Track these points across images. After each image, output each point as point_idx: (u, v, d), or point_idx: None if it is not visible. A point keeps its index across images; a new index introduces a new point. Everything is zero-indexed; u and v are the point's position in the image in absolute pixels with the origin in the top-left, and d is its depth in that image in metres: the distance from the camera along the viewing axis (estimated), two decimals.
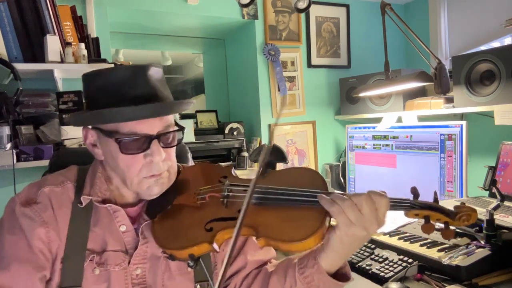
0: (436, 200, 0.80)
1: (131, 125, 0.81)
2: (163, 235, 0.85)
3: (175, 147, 0.91)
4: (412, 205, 0.79)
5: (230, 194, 0.88)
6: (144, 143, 0.83)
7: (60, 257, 0.85)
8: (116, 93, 0.82)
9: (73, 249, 0.85)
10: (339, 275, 0.85)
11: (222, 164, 1.03)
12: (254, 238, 0.81)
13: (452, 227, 0.78)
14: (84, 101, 0.91)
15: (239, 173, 2.46)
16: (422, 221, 0.79)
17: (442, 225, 0.79)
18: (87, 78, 0.87)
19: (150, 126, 0.83)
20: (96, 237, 0.88)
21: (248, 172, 2.33)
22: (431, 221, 0.78)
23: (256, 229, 0.80)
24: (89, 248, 0.86)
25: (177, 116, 2.34)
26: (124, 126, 0.81)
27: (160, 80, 0.87)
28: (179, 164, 1.03)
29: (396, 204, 0.79)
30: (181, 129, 0.91)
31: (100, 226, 0.88)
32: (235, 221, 0.80)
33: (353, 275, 1.36)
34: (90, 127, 0.88)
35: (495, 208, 1.28)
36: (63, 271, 0.84)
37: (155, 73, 0.86)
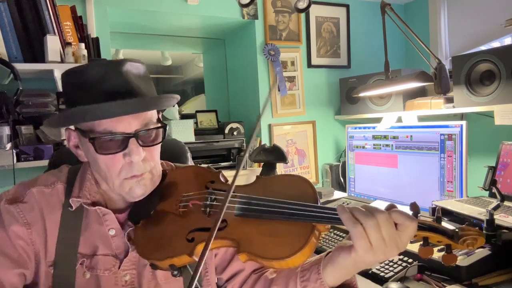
0: (439, 218, 0.70)
1: (105, 123, 0.76)
2: (143, 243, 0.81)
3: (158, 146, 0.85)
4: None
5: (214, 203, 0.83)
6: (121, 142, 0.78)
7: (47, 261, 0.83)
8: (88, 90, 0.77)
9: (64, 253, 0.83)
10: (343, 286, 0.79)
11: (222, 164, 0.99)
12: (235, 250, 0.75)
13: (454, 251, 0.69)
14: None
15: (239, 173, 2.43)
16: (421, 243, 0.69)
17: (442, 247, 0.70)
18: (65, 75, 0.82)
19: (126, 124, 0.78)
20: (87, 240, 0.85)
21: (248, 172, 2.33)
22: (430, 243, 0.69)
23: (237, 243, 0.75)
24: (80, 251, 0.84)
25: (176, 116, 2.35)
26: (98, 125, 0.77)
27: (139, 75, 0.81)
28: (170, 163, 1.00)
29: None
30: (163, 126, 0.84)
31: (91, 229, 0.85)
32: (218, 232, 0.75)
33: None
34: (72, 128, 0.84)
35: (495, 208, 1.28)
36: (55, 275, 0.82)
37: (132, 68, 0.80)
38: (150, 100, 0.81)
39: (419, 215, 0.70)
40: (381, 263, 1.37)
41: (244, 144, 2.44)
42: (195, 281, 0.57)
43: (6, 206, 0.83)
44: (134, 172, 0.80)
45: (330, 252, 0.79)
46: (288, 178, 0.86)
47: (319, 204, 0.76)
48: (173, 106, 0.88)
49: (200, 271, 0.58)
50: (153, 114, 0.84)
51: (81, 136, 0.81)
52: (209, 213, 0.82)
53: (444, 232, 0.68)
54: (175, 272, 0.78)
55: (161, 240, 0.82)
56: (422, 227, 0.69)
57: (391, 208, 0.71)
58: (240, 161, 0.73)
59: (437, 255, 1.28)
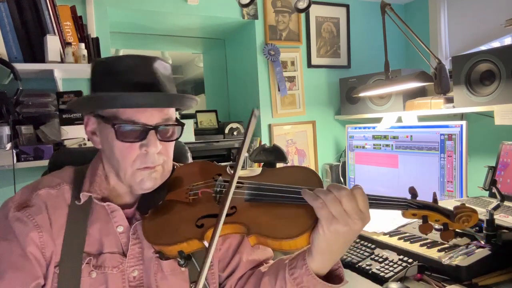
0: (435, 200, 0.79)
1: (130, 112, 0.80)
2: (152, 230, 0.83)
3: (173, 143, 0.89)
4: (409, 204, 0.77)
5: (223, 190, 0.86)
6: (141, 132, 0.81)
7: (54, 261, 0.83)
8: (118, 79, 0.81)
9: (69, 253, 0.83)
10: (332, 277, 0.83)
11: (222, 164, 1.01)
12: (245, 235, 0.78)
13: (451, 229, 0.76)
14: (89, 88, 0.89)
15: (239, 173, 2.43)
16: (420, 221, 0.77)
17: (441, 226, 0.77)
18: (95, 64, 0.86)
19: (149, 116, 0.81)
20: (93, 239, 0.85)
21: (248, 172, 2.33)
22: (429, 221, 0.76)
23: (247, 226, 0.78)
24: (86, 251, 0.84)
25: (177, 116, 2.34)
26: (123, 113, 0.80)
27: (165, 75, 0.86)
28: (174, 162, 1.01)
29: (393, 203, 0.77)
30: (181, 124, 0.88)
31: (97, 227, 0.86)
32: (227, 217, 0.78)
33: (353, 275, 1.37)
34: (92, 114, 0.86)
35: (495, 208, 1.28)
36: (60, 275, 0.82)
37: (161, 67, 0.85)
38: (176, 97, 0.86)
39: (417, 198, 0.79)
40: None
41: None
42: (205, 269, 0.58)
43: (15, 214, 0.83)
44: (148, 163, 0.83)
45: None
46: (293, 168, 0.92)
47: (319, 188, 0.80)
48: (192, 107, 0.92)
49: (206, 262, 0.60)
50: (173, 112, 0.88)
51: (101, 122, 0.84)
52: (219, 200, 0.85)
53: (440, 211, 0.76)
54: (182, 261, 0.80)
55: (170, 226, 0.84)
56: (421, 206, 0.77)
57: (410, 191, 0.80)
58: (239, 155, 0.76)
59: (436, 255, 1.29)
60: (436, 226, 0.78)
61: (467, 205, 0.76)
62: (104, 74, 0.83)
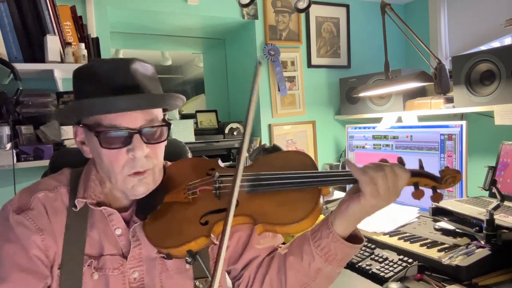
0: (421, 167, 0.83)
1: (111, 118, 0.78)
2: (156, 235, 0.83)
3: (162, 145, 0.87)
4: None
5: (222, 185, 0.86)
6: (126, 137, 0.79)
7: (57, 264, 0.83)
8: (96, 84, 0.79)
9: (70, 255, 0.83)
10: (352, 238, 0.84)
11: (221, 163, 1.01)
12: (252, 225, 0.81)
13: (439, 191, 0.81)
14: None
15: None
16: (412, 188, 0.81)
17: (430, 190, 0.82)
18: (76, 71, 0.85)
19: (132, 119, 0.79)
20: (93, 241, 0.86)
21: None
22: (420, 187, 0.81)
23: (252, 217, 0.80)
24: (87, 253, 0.84)
25: (176, 116, 2.35)
26: (104, 119, 0.78)
27: (146, 75, 0.84)
28: (164, 161, 1.01)
29: None
30: (167, 125, 0.86)
31: (96, 230, 0.86)
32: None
33: (353, 275, 1.37)
34: (78, 124, 0.85)
35: (495, 208, 1.28)
36: (61, 277, 0.82)
37: (140, 67, 0.83)
38: (156, 97, 0.84)
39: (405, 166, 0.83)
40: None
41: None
42: (219, 265, 0.63)
43: (15, 217, 0.83)
44: (137, 168, 0.81)
45: (332, 211, 0.85)
46: (286, 153, 0.95)
47: (318, 171, 0.85)
48: (179, 106, 0.90)
49: (214, 261, 0.61)
50: (158, 113, 0.85)
51: (87, 131, 0.83)
52: (219, 195, 0.86)
53: (428, 175, 0.82)
54: (189, 259, 0.81)
55: (175, 228, 0.84)
56: (411, 174, 0.81)
57: (398, 161, 0.83)
58: (239, 158, 0.76)
59: (436, 255, 1.29)
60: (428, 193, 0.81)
61: (450, 168, 0.82)
62: (84, 81, 0.82)
